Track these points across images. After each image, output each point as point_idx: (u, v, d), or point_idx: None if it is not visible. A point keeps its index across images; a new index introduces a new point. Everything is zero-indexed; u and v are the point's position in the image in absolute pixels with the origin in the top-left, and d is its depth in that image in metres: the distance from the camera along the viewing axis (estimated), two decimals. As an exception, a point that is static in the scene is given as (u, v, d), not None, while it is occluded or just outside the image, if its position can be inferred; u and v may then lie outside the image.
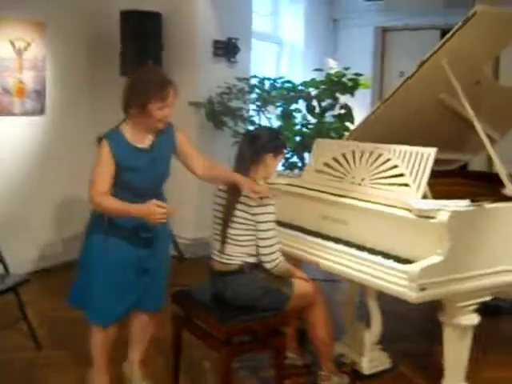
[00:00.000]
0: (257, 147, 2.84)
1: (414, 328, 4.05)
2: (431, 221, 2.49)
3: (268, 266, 2.76)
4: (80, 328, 3.78)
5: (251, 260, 2.75)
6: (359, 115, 5.51)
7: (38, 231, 4.97)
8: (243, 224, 2.73)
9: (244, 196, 2.72)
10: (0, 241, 3.64)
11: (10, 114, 4.65)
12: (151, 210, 2.53)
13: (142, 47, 5.02)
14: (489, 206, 2.63)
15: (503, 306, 4.29)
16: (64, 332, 3.78)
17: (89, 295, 2.81)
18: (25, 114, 4.77)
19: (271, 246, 2.75)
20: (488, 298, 2.69)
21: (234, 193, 2.76)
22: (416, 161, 2.80)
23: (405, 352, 3.56)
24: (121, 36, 5.05)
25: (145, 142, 2.76)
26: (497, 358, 3.54)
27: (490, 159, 6.51)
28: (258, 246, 2.76)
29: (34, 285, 3.57)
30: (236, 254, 2.78)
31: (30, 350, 3.49)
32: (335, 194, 3.04)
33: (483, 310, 2.71)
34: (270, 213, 2.74)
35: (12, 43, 4.58)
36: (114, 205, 2.63)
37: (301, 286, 2.88)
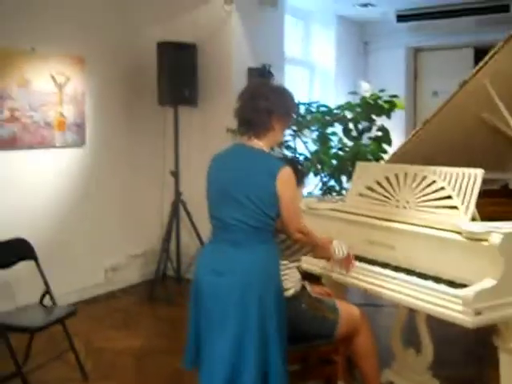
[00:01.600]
0: None
1: (464, 353, 3.96)
2: (483, 243, 2.43)
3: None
4: (126, 359, 3.83)
5: (290, 293, 2.70)
6: (394, 136, 5.50)
7: (81, 262, 5.03)
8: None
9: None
10: (45, 272, 3.67)
11: (52, 146, 4.75)
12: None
13: (179, 77, 5.10)
14: (541, 226, 2.56)
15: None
16: (110, 363, 3.79)
17: None
18: (65, 146, 4.87)
19: None
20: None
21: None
22: (463, 182, 2.76)
23: (456, 378, 3.47)
24: (157, 67, 5.15)
25: None
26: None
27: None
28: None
29: (78, 315, 3.58)
30: None
31: (77, 381, 3.51)
32: (380, 218, 3.01)
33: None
34: None
35: (53, 78, 4.70)
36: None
37: (346, 310, 2.84)
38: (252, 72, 5.44)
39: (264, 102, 2.49)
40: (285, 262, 2.71)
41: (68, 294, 4.69)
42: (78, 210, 5.01)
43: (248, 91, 2.62)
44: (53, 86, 4.71)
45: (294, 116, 2.83)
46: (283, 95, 2.60)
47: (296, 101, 2.74)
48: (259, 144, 2.53)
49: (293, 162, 2.90)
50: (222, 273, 2.43)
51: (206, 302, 2.49)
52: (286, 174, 2.44)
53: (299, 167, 2.89)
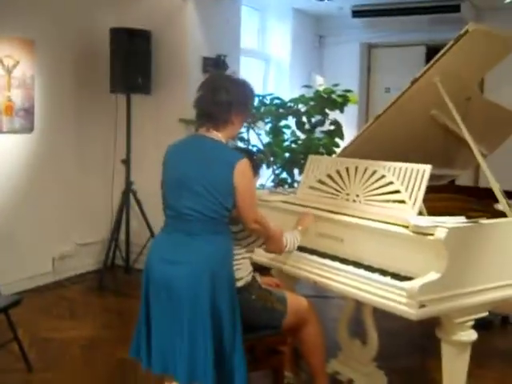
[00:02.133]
0: None
1: (408, 344, 4.05)
2: (429, 237, 2.49)
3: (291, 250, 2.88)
4: (72, 349, 3.77)
5: (241, 283, 2.71)
6: (346, 131, 5.57)
7: (28, 250, 4.91)
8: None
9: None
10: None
11: (-2, 131, 4.62)
12: None
13: (132, 64, 5.02)
14: (485, 222, 2.64)
15: (494, 321, 4.31)
16: (55, 353, 3.72)
17: None
18: (13, 131, 4.73)
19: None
20: (485, 314, 2.69)
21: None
22: (411, 177, 2.81)
23: (400, 369, 3.56)
24: (110, 53, 5.06)
25: None
26: (493, 372, 3.56)
27: (476, 174, 6.67)
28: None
29: (23, 305, 3.50)
30: None
31: (21, 371, 3.43)
32: (330, 211, 3.04)
33: (476, 325, 2.71)
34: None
35: (0, 61, 4.56)
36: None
37: (295, 301, 2.86)
38: (207, 62, 5.41)
39: (225, 96, 2.50)
40: (240, 252, 2.71)
41: (14, 283, 4.58)
42: (25, 197, 4.88)
43: (209, 82, 2.61)
44: (0, 69, 4.56)
45: (253, 108, 2.85)
46: (244, 89, 2.61)
47: (254, 93, 2.74)
48: (218, 136, 2.53)
49: (247, 153, 2.90)
50: (175, 262, 2.43)
51: (158, 291, 2.48)
52: (243, 165, 2.45)
53: (254, 158, 2.89)
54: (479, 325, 2.71)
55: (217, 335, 2.40)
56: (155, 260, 2.52)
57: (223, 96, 2.50)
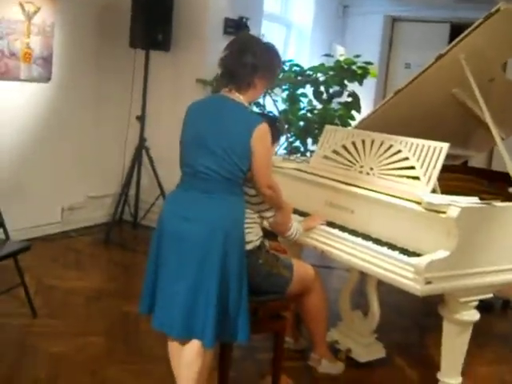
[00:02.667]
0: None
1: (410, 319, 4.08)
2: (441, 215, 2.49)
3: (290, 238, 2.87)
4: (76, 299, 3.83)
5: (250, 247, 2.72)
6: (363, 104, 5.52)
7: (38, 199, 4.94)
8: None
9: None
10: (1, 206, 3.60)
11: (16, 79, 4.60)
12: None
13: (153, 20, 4.97)
14: (498, 204, 2.63)
15: (495, 304, 4.33)
16: (60, 302, 3.78)
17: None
18: (31, 79, 4.72)
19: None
20: (490, 295, 2.71)
21: None
22: (428, 154, 2.80)
23: (399, 343, 3.59)
24: (132, 7, 5.01)
25: None
26: (491, 353, 3.58)
27: (489, 157, 6.62)
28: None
29: (31, 252, 3.54)
30: None
31: (26, 316, 3.49)
32: (343, 182, 3.03)
33: (477, 306, 2.72)
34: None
35: (21, 6, 4.52)
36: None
37: (301, 269, 2.88)
38: (228, 23, 5.34)
39: (251, 58, 2.47)
40: (252, 216, 2.72)
41: (23, 230, 4.62)
42: (39, 146, 4.89)
43: (237, 43, 2.58)
44: (21, 14, 4.52)
45: (279, 76, 2.83)
46: (271, 54, 2.58)
47: (281, 60, 2.71)
48: (240, 98, 2.51)
49: (270, 119, 2.90)
50: (190, 219, 2.44)
51: (169, 245, 2.48)
52: (262, 130, 2.43)
53: (276, 124, 2.90)
54: (480, 307, 2.73)
55: (222, 295, 2.41)
56: (170, 215, 2.53)
57: (249, 58, 2.47)
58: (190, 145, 2.53)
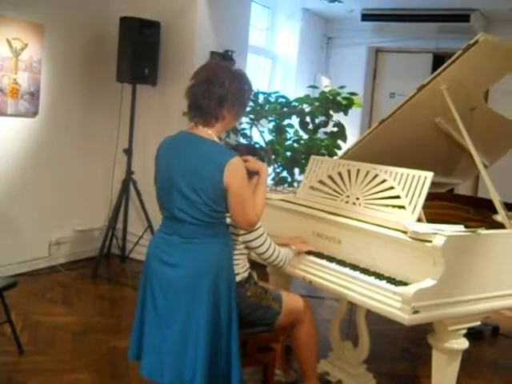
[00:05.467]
0: None
1: (399, 349, 4.06)
2: (426, 244, 2.50)
3: (280, 266, 2.84)
4: (64, 334, 3.78)
5: (237, 279, 2.71)
6: (349, 134, 5.59)
7: (25, 234, 4.92)
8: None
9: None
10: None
11: (3, 114, 4.61)
12: None
13: (140, 55, 5.02)
14: (483, 232, 2.65)
15: (484, 331, 4.33)
16: (47, 338, 3.73)
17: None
18: (17, 115, 4.73)
19: (272, 254, 2.78)
20: (478, 323, 2.71)
21: None
22: (412, 183, 2.82)
23: (389, 372, 3.58)
24: (119, 42, 5.06)
25: None
26: (482, 382, 3.58)
27: (475, 184, 6.68)
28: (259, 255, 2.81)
29: (18, 288, 3.51)
30: None
31: (12, 353, 3.44)
32: (329, 212, 3.05)
33: (466, 334, 2.72)
34: (261, 234, 2.75)
35: (9, 42, 4.56)
36: None
37: (291, 301, 2.87)
38: (214, 56, 5.41)
39: (218, 89, 2.30)
40: (239, 247, 2.72)
41: (9, 266, 4.59)
42: (26, 181, 4.88)
43: (205, 71, 2.40)
44: (8, 50, 4.56)
45: (249, 105, 2.65)
46: (240, 82, 2.39)
47: (254, 89, 2.59)
48: (207, 132, 2.34)
49: (250, 149, 2.89)
50: (174, 265, 2.34)
51: (154, 292, 2.40)
52: (233, 164, 2.26)
53: (256, 154, 2.86)
54: (470, 334, 2.73)
55: (212, 340, 2.33)
56: (153, 260, 2.42)
57: (216, 89, 2.30)
58: (163, 188, 2.39)
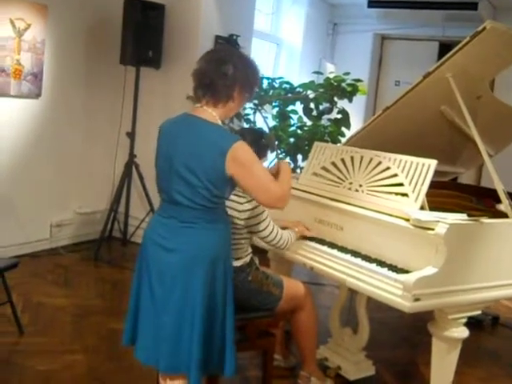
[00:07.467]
0: None
1: (399, 336, 4.07)
2: (429, 232, 2.49)
3: (283, 248, 2.87)
4: (64, 316, 3.79)
5: (239, 263, 2.71)
6: (353, 121, 5.55)
7: (27, 215, 4.92)
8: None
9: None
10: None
11: (6, 95, 4.59)
12: None
13: (143, 37, 4.98)
14: (486, 221, 2.64)
15: (484, 320, 4.33)
16: (48, 319, 3.74)
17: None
18: (20, 96, 4.71)
19: (275, 237, 2.80)
20: (479, 312, 2.71)
21: None
22: (416, 171, 2.81)
23: (389, 360, 3.58)
24: (123, 24, 5.02)
25: None
26: (480, 371, 3.58)
27: (478, 174, 6.66)
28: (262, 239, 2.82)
29: (19, 269, 3.51)
30: None
31: (13, 334, 3.45)
32: (332, 199, 3.04)
33: (466, 324, 2.72)
34: (265, 218, 2.75)
35: (12, 22, 4.52)
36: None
37: (292, 287, 2.88)
38: (219, 40, 5.37)
39: (232, 69, 2.26)
40: (241, 232, 2.71)
41: (11, 247, 4.59)
42: (28, 162, 4.87)
43: (216, 54, 2.36)
44: (11, 31, 4.53)
45: (256, 90, 2.62)
46: (252, 68, 2.37)
47: (260, 75, 2.55)
48: (212, 115, 2.28)
49: (256, 134, 2.87)
50: (170, 250, 2.29)
51: (151, 278, 2.35)
52: (237, 148, 2.20)
53: (262, 139, 2.85)
54: (470, 324, 2.73)
55: (207, 325, 2.29)
56: (150, 244, 2.38)
57: (230, 68, 2.26)
58: (163, 170, 2.34)
